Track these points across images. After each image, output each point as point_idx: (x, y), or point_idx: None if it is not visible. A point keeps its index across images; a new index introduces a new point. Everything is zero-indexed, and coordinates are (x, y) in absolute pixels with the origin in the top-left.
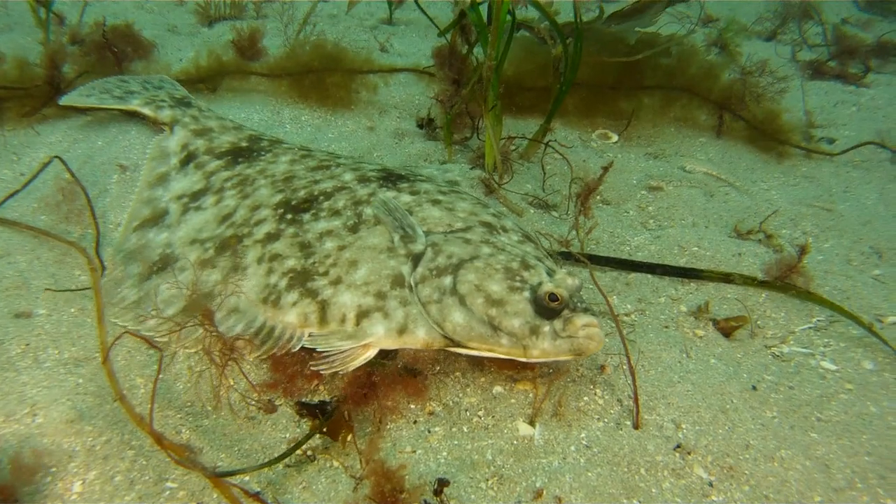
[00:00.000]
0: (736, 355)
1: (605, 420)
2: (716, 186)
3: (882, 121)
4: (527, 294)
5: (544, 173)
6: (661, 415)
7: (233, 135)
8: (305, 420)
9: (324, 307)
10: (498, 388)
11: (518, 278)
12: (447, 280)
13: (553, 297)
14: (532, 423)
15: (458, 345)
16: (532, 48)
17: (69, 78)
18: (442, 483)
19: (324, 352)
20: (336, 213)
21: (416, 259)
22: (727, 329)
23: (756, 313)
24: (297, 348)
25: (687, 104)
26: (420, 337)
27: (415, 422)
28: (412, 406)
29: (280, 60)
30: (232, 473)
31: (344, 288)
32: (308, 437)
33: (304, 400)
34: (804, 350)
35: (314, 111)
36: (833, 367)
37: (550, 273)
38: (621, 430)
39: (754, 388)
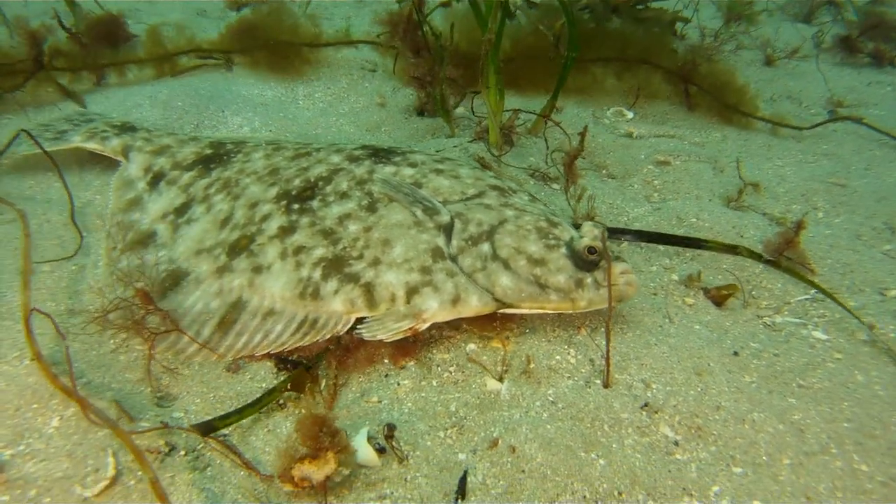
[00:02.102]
0: (724, 323)
1: (575, 378)
2: (726, 163)
3: None
4: (564, 250)
5: (548, 147)
6: (632, 375)
7: (193, 146)
8: (283, 373)
9: (369, 290)
10: (472, 346)
11: (551, 236)
12: (485, 247)
13: (591, 249)
14: (501, 380)
15: (510, 306)
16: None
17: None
18: (391, 428)
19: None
20: (344, 195)
21: (446, 230)
22: (718, 298)
23: (752, 283)
24: (344, 331)
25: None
26: (473, 305)
27: (386, 375)
28: (386, 360)
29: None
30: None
31: (385, 268)
32: (269, 394)
33: (282, 355)
34: (797, 320)
35: (328, 88)
36: (824, 337)
37: (575, 227)
38: (590, 388)
39: (736, 353)
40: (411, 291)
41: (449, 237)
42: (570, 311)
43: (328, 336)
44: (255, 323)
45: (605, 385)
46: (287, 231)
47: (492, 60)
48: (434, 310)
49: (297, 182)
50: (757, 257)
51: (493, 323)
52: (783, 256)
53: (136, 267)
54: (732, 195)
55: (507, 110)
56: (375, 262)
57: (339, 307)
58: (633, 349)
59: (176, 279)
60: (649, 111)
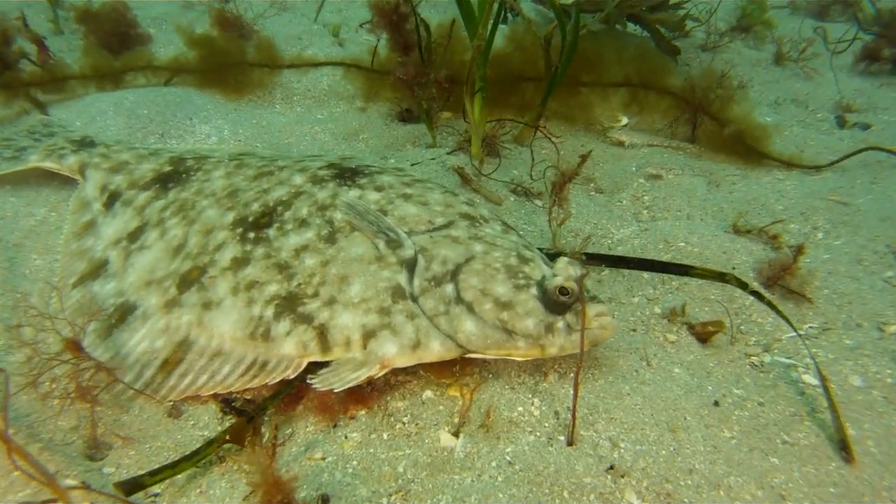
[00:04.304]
0: (708, 364)
1: (538, 434)
2: (722, 176)
3: None
4: (534, 291)
5: (533, 159)
6: (598, 431)
7: (152, 161)
8: (229, 418)
9: (323, 332)
10: (428, 393)
11: (521, 275)
12: (448, 288)
13: (563, 290)
14: (457, 434)
15: (474, 353)
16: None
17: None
18: (324, 499)
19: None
20: (303, 223)
21: (409, 266)
22: (703, 334)
23: (741, 316)
24: (294, 376)
25: None
26: (435, 350)
27: (335, 425)
28: (335, 407)
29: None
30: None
31: (341, 308)
32: (206, 447)
33: (229, 397)
34: (787, 360)
35: (308, 90)
36: (815, 382)
37: (547, 263)
38: (552, 445)
39: (716, 403)
40: (368, 335)
41: (412, 274)
42: (541, 358)
43: (277, 380)
44: (200, 363)
45: (570, 443)
46: (240, 263)
47: (479, 68)
48: (392, 355)
49: (255, 207)
50: (743, 287)
51: (453, 368)
52: (778, 285)
53: (87, 303)
54: (729, 214)
55: (492, 120)
56: (331, 302)
57: (290, 350)
58: (603, 400)
59: (123, 314)
60: (645, 118)
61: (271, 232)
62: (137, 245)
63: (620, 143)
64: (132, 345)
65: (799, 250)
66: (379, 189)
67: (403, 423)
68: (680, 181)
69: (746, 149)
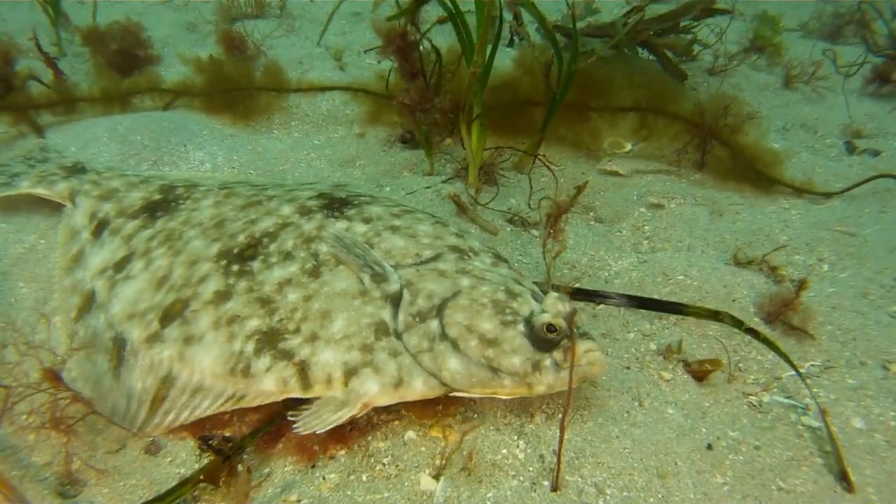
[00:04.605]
0: (703, 404)
1: (521, 478)
2: (726, 205)
3: None
4: (521, 328)
5: (531, 188)
6: (584, 476)
7: (142, 189)
8: (207, 455)
9: (304, 369)
10: (410, 434)
11: (508, 311)
12: (433, 324)
13: (551, 328)
14: (437, 477)
15: (459, 391)
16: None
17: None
18: None
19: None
20: (288, 256)
21: (394, 301)
22: (700, 373)
23: (740, 353)
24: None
25: None
26: (418, 389)
27: (313, 465)
28: (316, 447)
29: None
30: None
31: (322, 345)
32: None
33: (207, 434)
34: (786, 401)
35: (307, 115)
36: (815, 424)
37: (537, 298)
38: (535, 491)
39: (709, 446)
40: (349, 373)
41: (396, 309)
42: (528, 396)
43: (251, 405)
44: (182, 400)
45: (554, 488)
46: (223, 297)
47: (476, 94)
48: (374, 394)
49: (241, 238)
50: (738, 325)
51: (436, 407)
52: (780, 321)
53: (91, 338)
54: (731, 245)
55: (490, 148)
56: (313, 338)
57: (270, 387)
58: (591, 443)
59: (119, 350)
60: (653, 143)
61: (255, 265)
62: (123, 275)
63: (615, 174)
64: (130, 385)
65: (801, 285)
66: (366, 221)
67: (384, 465)
68: (682, 210)
69: (757, 174)
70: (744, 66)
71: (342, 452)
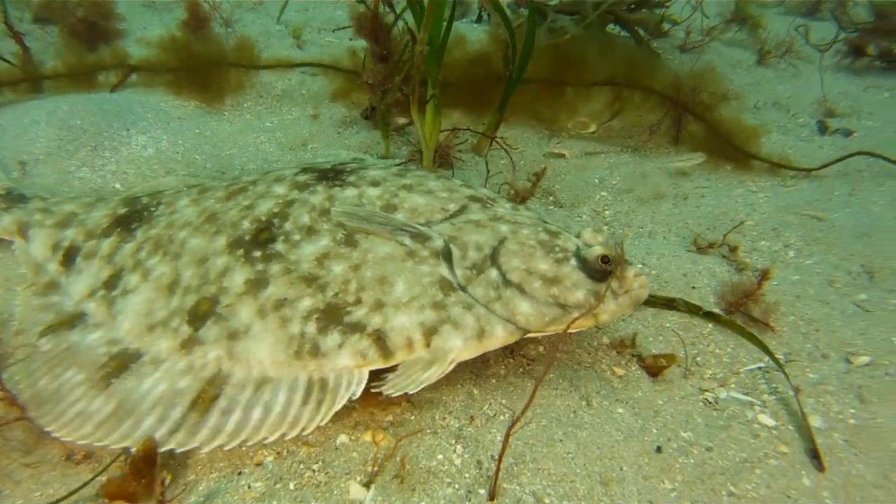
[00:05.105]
0: (657, 402)
1: (456, 486)
2: (691, 188)
3: None
4: (574, 262)
5: (488, 171)
6: (523, 484)
7: (102, 208)
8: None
9: (380, 337)
10: (342, 438)
11: (557, 248)
12: (493, 273)
13: (605, 259)
14: (368, 485)
15: (534, 332)
16: None
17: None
18: None
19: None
20: (311, 230)
21: (445, 257)
22: (654, 368)
23: (698, 347)
24: (360, 393)
25: None
26: (500, 336)
27: (239, 473)
28: (243, 449)
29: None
30: None
31: (392, 310)
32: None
33: None
34: (743, 397)
35: (260, 96)
36: (771, 423)
37: (575, 234)
38: (470, 500)
39: (659, 449)
40: (429, 332)
41: (449, 265)
42: (593, 326)
43: (344, 401)
44: (245, 396)
45: (491, 497)
46: (257, 284)
47: (430, 74)
48: (459, 348)
49: (245, 225)
50: (695, 310)
51: (370, 410)
52: (740, 312)
53: (64, 351)
54: (695, 230)
55: (445, 130)
56: (379, 305)
57: (347, 361)
58: (532, 447)
59: (123, 363)
60: (616, 122)
61: (279, 246)
62: (118, 291)
63: (561, 156)
64: (145, 389)
65: (763, 276)
66: (375, 184)
67: (313, 472)
68: (644, 193)
69: (734, 150)
70: (716, 43)
71: (270, 458)
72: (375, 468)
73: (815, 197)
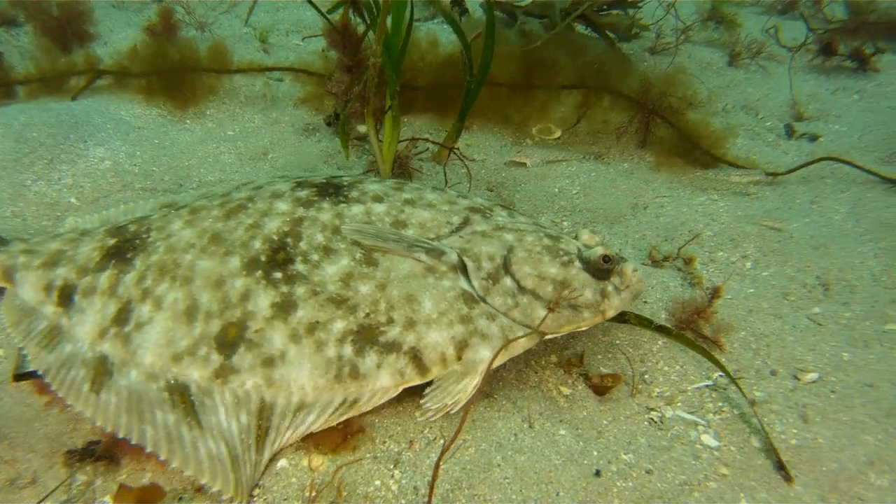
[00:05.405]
0: (601, 422)
1: None
2: (651, 198)
3: (885, 113)
4: (578, 264)
5: (447, 181)
6: None
7: (89, 242)
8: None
9: (416, 355)
10: (283, 463)
11: (561, 252)
12: (507, 282)
13: (606, 258)
14: None
15: (549, 334)
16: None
17: None
18: None
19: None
20: (329, 250)
21: (461, 270)
22: (601, 388)
23: (647, 364)
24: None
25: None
26: (521, 343)
27: (180, 498)
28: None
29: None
30: None
31: (423, 328)
32: None
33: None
34: (688, 416)
35: (223, 103)
36: (714, 444)
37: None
38: None
39: (597, 473)
40: (460, 346)
41: (467, 278)
42: (600, 322)
43: (366, 409)
44: (286, 423)
45: None
46: (285, 307)
47: (390, 85)
48: (488, 358)
49: (258, 245)
50: (646, 325)
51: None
52: (691, 329)
53: (128, 398)
54: (653, 241)
55: (404, 140)
56: (411, 324)
57: (387, 382)
58: (469, 473)
59: (183, 395)
60: (581, 128)
61: (300, 267)
62: (132, 326)
63: (522, 165)
64: (222, 428)
65: (715, 293)
66: (378, 199)
67: (252, 497)
68: (604, 203)
69: (703, 154)
70: (688, 44)
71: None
72: (313, 494)
73: (777, 206)
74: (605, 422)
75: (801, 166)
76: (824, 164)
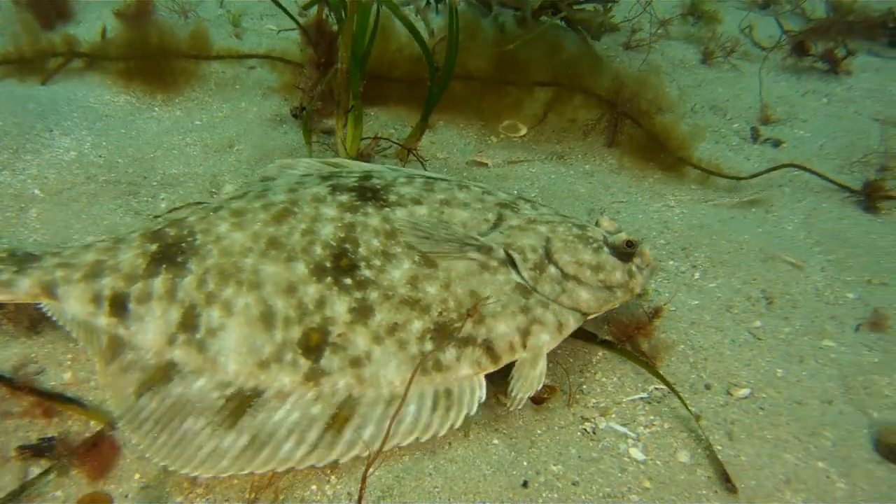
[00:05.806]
0: (535, 432)
1: None
2: (608, 203)
3: (851, 119)
4: (606, 249)
5: None
6: None
7: (127, 249)
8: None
9: (489, 346)
10: None
11: (590, 239)
12: (552, 270)
13: (629, 243)
14: None
15: (592, 315)
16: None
17: None
18: None
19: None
20: (388, 255)
21: (510, 263)
22: (537, 398)
23: (586, 374)
24: (484, 397)
25: None
26: (571, 325)
27: (127, 496)
28: (112, 486)
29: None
30: None
31: (492, 321)
32: None
33: (24, 444)
34: (620, 428)
35: (193, 90)
36: (640, 457)
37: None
38: None
39: (525, 484)
40: (524, 334)
41: (516, 270)
42: (629, 300)
43: (476, 405)
44: (377, 412)
45: None
46: (363, 312)
47: (353, 86)
48: (547, 342)
49: (318, 251)
50: (591, 338)
51: None
52: (630, 343)
53: (172, 406)
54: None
55: (367, 138)
56: (480, 318)
57: (467, 371)
58: (401, 481)
59: (243, 402)
60: (547, 126)
61: (366, 272)
62: (203, 332)
63: (484, 165)
64: (278, 420)
65: (655, 313)
66: (417, 202)
67: (197, 494)
68: (560, 206)
69: (669, 155)
70: (662, 41)
71: (139, 485)
72: (253, 495)
73: (731, 215)
74: (539, 431)
75: (763, 172)
76: (785, 171)
